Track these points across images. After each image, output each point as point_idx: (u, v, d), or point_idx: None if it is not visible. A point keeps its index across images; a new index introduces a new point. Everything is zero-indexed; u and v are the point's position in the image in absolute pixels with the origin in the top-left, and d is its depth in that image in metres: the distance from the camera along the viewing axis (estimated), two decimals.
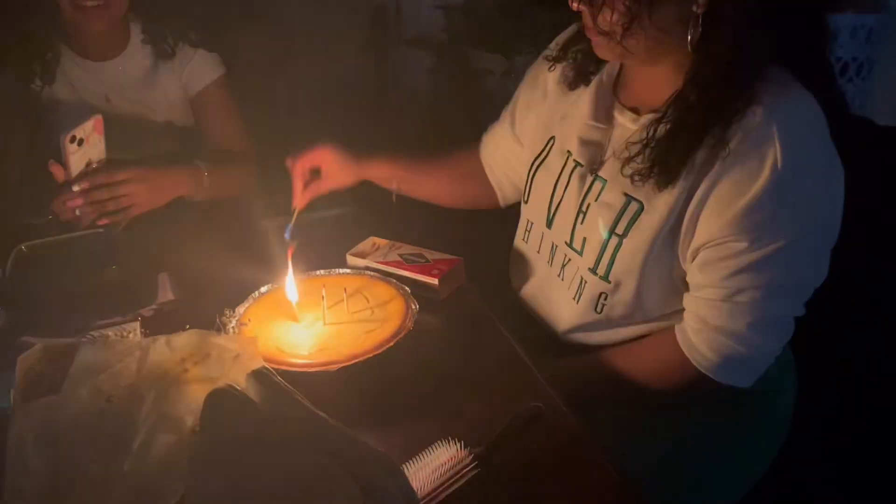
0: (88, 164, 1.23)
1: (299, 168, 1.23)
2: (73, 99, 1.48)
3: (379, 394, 0.91)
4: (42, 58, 1.43)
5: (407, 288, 1.07)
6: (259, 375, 0.78)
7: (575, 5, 0.93)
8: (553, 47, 1.16)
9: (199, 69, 1.54)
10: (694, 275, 0.95)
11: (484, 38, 3.07)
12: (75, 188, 1.21)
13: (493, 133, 1.31)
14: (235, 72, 1.63)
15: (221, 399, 0.74)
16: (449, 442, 0.78)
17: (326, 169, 1.24)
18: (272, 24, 2.95)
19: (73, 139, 1.19)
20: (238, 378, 0.83)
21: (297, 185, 1.23)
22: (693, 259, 0.94)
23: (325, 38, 3.30)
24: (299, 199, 1.23)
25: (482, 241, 1.33)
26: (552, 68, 1.15)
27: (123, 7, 1.41)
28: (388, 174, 1.30)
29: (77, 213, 1.21)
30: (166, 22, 1.50)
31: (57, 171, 1.21)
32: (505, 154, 1.28)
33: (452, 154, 1.38)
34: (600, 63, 1.06)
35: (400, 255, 1.17)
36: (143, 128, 1.53)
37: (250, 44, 2.07)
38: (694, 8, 0.87)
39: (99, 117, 1.25)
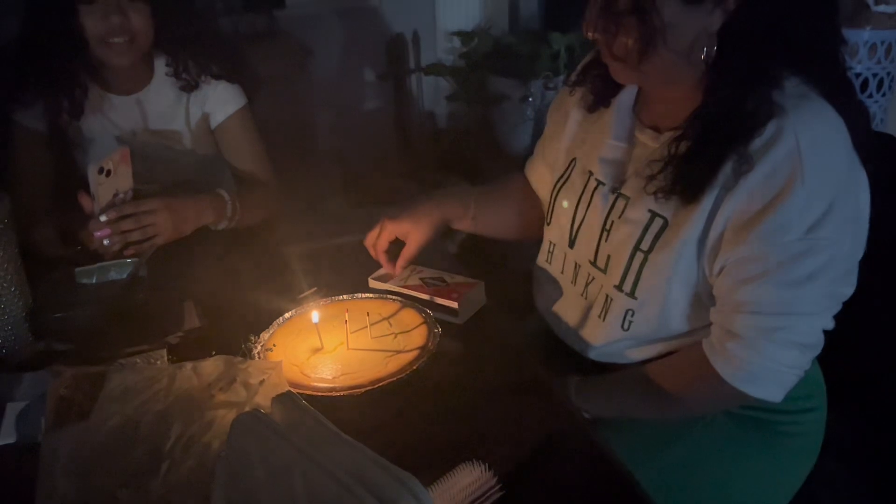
0: (115, 195, 1.26)
1: (381, 247, 1.21)
2: (100, 132, 1.51)
3: (403, 417, 0.91)
4: (70, 93, 1.46)
5: (429, 311, 1.08)
6: (284, 400, 0.79)
7: (590, 34, 0.94)
8: (575, 72, 1.17)
9: (221, 101, 1.57)
10: (720, 288, 0.94)
11: (501, 64, 3.10)
12: (102, 218, 1.23)
13: (530, 165, 1.32)
14: (257, 102, 1.66)
15: (247, 424, 0.74)
16: (474, 464, 0.78)
17: (405, 235, 1.20)
18: (292, 55, 3.00)
19: (100, 170, 1.21)
20: (264, 403, 0.84)
21: (383, 260, 1.21)
22: (719, 273, 0.94)
23: (345, 68, 3.36)
24: (395, 267, 1.21)
25: (504, 264, 1.33)
26: (573, 92, 1.16)
27: (148, 43, 1.45)
28: (461, 213, 1.25)
29: (104, 242, 1.23)
30: (189, 56, 1.54)
31: (85, 201, 1.24)
32: (539, 186, 1.29)
33: (508, 180, 1.35)
34: (619, 85, 1.07)
35: (421, 279, 1.17)
36: (168, 158, 1.56)
37: (271, 75, 2.10)
38: (709, 26, 0.88)
39: (126, 149, 1.27)
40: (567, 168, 1.15)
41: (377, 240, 1.21)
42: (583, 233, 1.09)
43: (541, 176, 1.28)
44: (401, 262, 1.20)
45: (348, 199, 3.08)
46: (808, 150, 0.85)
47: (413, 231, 1.19)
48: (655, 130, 1.02)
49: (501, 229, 1.32)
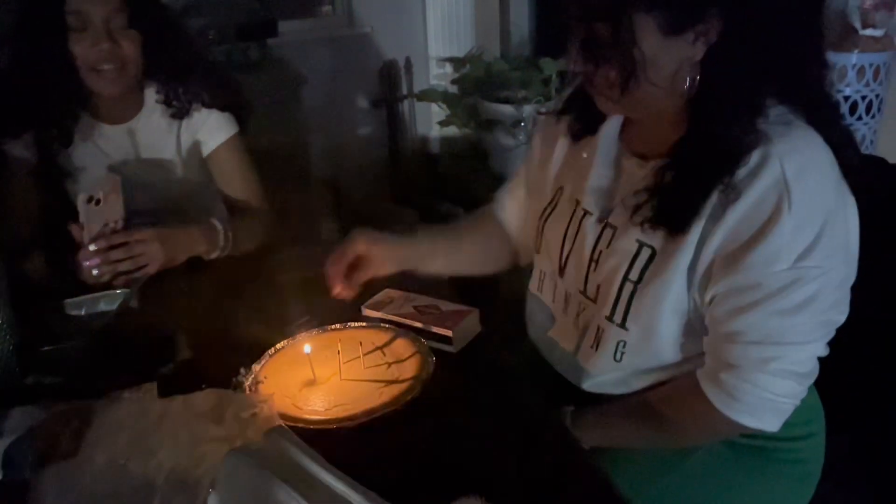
0: (106, 225, 1.25)
1: (339, 266, 1.14)
2: (90, 161, 1.50)
3: (398, 449, 0.90)
4: (60, 122, 1.46)
5: (423, 340, 1.07)
6: (275, 434, 0.78)
7: (572, 67, 0.95)
8: (559, 100, 1.17)
9: (212, 129, 1.57)
10: (712, 318, 0.94)
11: (492, 89, 3.12)
12: (93, 248, 1.22)
13: (508, 190, 1.31)
14: (250, 130, 1.66)
15: (239, 459, 0.73)
16: (470, 497, 0.77)
17: (368, 260, 1.16)
18: (286, 83, 3.01)
19: (90, 200, 1.21)
20: (255, 437, 0.83)
21: (336, 280, 1.14)
22: (710, 303, 0.93)
23: (338, 95, 3.38)
24: (345, 291, 1.14)
25: (498, 291, 1.32)
26: (559, 121, 1.16)
27: (138, 71, 1.45)
28: (429, 251, 1.24)
29: (94, 272, 1.22)
30: (180, 83, 1.53)
31: (75, 231, 1.23)
32: (520, 211, 1.28)
33: (472, 218, 1.35)
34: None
35: (414, 308, 1.16)
36: (159, 187, 1.55)
37: (265, 103, 2.11)
38: (691, 57, 0.88)
39: (117, 178, 1.27)
40: (554, 196, 1.15)
41: (337, 256, 1.15)
42: (571, 262, 1.09)
43: (520, 202, 1.27)
44: (353, 285, 1.15)
45: (341, 226, 3.08)
46: (794, 179, 0.84)
47: (375, 256, 1.15)
48: (642, 158, 1.01)
49: (474, 265, 1.32)
